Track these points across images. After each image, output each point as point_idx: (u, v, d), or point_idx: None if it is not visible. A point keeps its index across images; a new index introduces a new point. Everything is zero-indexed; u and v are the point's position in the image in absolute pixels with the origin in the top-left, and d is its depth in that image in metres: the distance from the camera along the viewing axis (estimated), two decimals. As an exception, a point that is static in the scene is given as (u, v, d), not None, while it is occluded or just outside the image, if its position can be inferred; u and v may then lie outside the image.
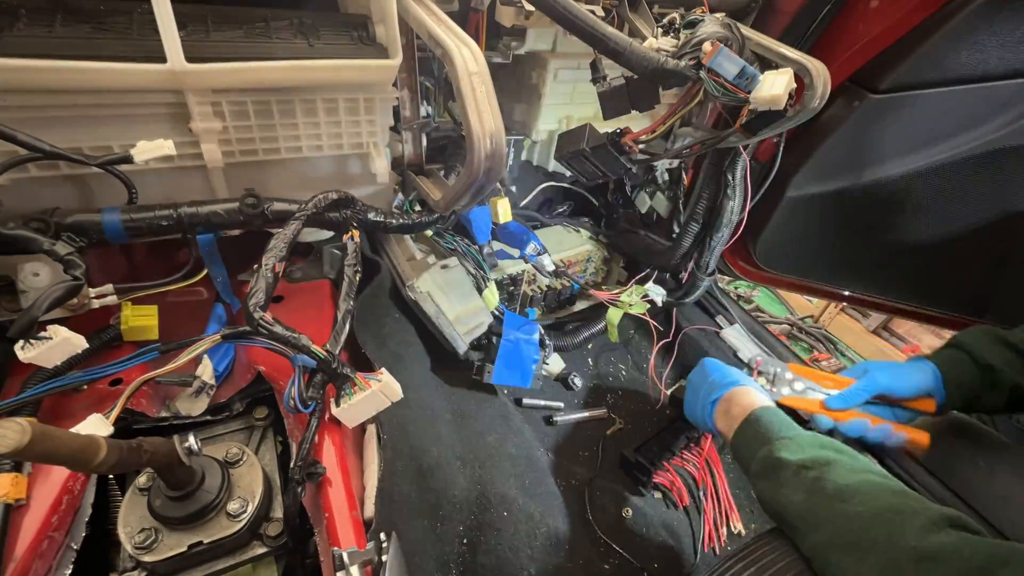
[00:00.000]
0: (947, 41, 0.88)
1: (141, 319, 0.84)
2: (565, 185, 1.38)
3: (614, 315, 1.24)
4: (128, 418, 0.79)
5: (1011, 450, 0.98)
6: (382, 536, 0.68)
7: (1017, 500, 0.91)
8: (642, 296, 1.19)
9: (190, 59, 0.69)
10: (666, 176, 1.40)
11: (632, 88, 0.88)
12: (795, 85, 0.77)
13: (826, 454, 0.70)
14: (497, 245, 1.24)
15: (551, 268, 1.24)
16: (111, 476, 0.80)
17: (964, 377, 0.93)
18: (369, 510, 0.75)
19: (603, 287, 1.41)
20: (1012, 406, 0.93)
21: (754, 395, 0.91)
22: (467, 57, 0.73)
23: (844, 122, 0.98)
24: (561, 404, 1.23)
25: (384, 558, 0.66)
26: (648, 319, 1.22)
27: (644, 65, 0.79)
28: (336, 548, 0.65)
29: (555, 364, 1.27)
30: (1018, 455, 0.97)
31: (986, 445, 1.00)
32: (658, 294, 1.21)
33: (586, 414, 1.23)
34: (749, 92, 0.77)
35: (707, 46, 0.77)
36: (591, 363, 1.39)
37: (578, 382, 1.29)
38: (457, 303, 1.10)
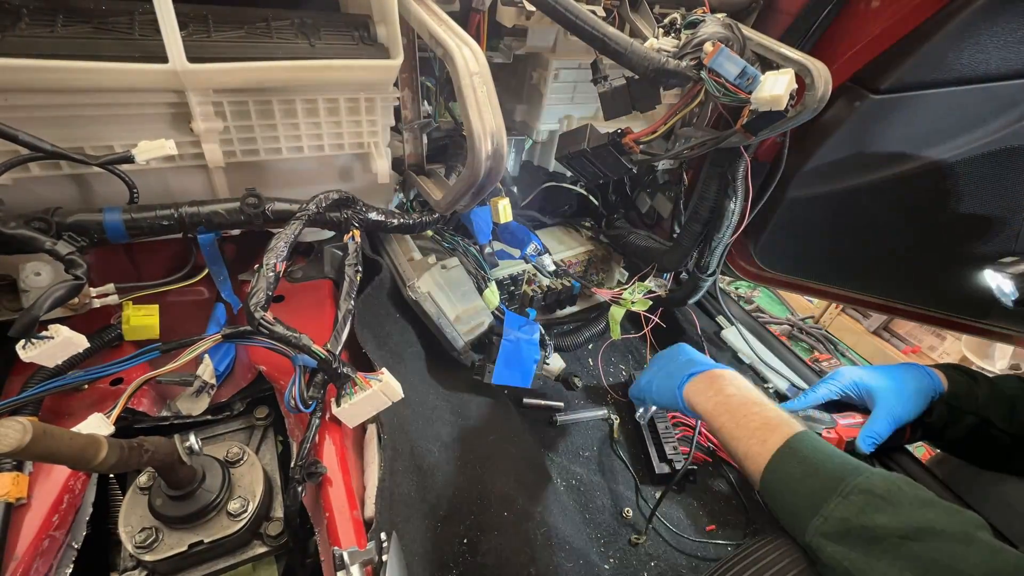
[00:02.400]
0: (948, 41, 0.88)
1: (142, 318, 0.84)
2: (566, 185, 1.38)
3: (616, 313, 1.24)
4: (129, 417, 0.79)
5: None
6: (382, 536, 0.68)
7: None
8: (644, 293, 1.20)
9: (191, 59, 0.69)
10: (667, 176, 1.40)
11: (633, 88, 0.88)
12: (796, 85, 0.77)
13: (926, 517, 0.58)
14: (498, 245, 1.24)
15: (551, 268, 1.24)
16: (112, 475, 0.80)
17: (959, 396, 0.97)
18: (369, 510, 0.75)
19: (604, 286, 1.41)
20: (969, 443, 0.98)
21: (752, 389, 0.83)
22: (468, 57, 0.73)
23: (845, 122, 0.98)
24: (562, 404, 1.23)
25: (384, 558, 0.66)
26: (652, 316, 1.23)
27: (645, 65, 0.79)
28: (336, 548, 0.65)
29: (555, 364, 1.27)
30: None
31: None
32: (660, 286, 1.22)
33: (587, 414, 1.23)
34: (750, 92, 0.77)
35: (708, 46, 0.77)
36: (592, 363, 1.39)
37: (579, 382, 1.29)
38: (458, 303, 1.10)
